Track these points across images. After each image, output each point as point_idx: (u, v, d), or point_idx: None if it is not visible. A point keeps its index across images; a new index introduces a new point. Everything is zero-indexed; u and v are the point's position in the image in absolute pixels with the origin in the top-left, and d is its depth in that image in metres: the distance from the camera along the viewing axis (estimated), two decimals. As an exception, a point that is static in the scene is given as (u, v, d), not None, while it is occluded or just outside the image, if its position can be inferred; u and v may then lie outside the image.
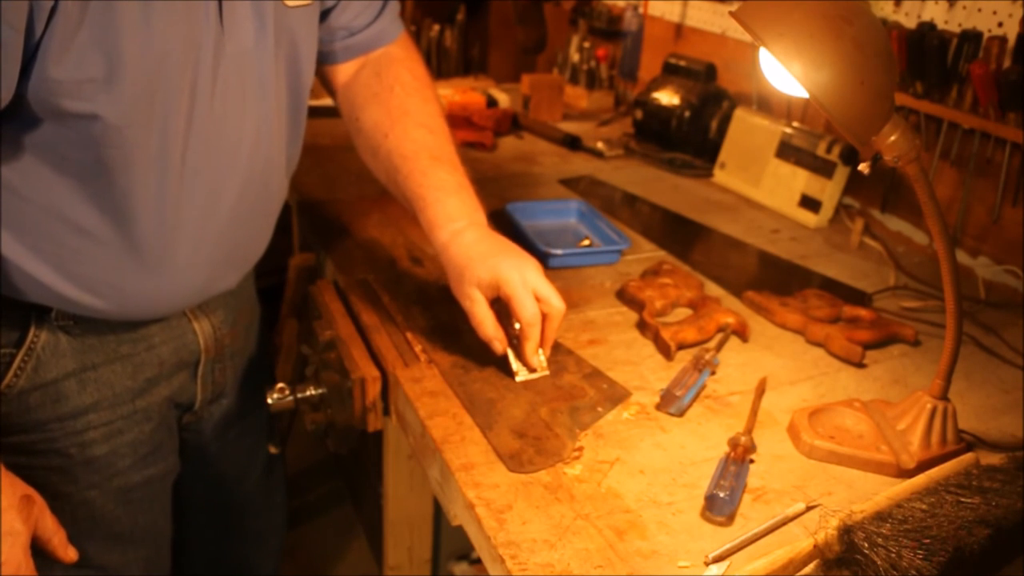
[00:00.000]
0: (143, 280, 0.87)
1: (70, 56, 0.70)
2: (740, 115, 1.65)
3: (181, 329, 0.99)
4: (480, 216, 0.96)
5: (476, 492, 0.75)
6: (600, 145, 1.80)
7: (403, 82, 1.03)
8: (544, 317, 0.90)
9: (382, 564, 1.57)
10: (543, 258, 1.16)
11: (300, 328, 1.49)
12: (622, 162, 1.76)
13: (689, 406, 0.89)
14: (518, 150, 1.80)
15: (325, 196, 1.43)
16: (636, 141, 1.84)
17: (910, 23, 1.31)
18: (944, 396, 0.82)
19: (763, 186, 1.56)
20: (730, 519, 0.73)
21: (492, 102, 2.01)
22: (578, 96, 2.17)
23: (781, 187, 1.53)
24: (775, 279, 1.25)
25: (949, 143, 1.29)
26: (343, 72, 1.07)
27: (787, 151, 1.52)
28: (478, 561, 1.54)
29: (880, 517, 0.65)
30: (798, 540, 0.67)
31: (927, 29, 1.24)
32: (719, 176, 1.67)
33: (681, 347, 1.00)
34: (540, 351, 0.92)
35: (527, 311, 0.88)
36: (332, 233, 1.28)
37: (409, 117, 1.01)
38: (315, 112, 1.94)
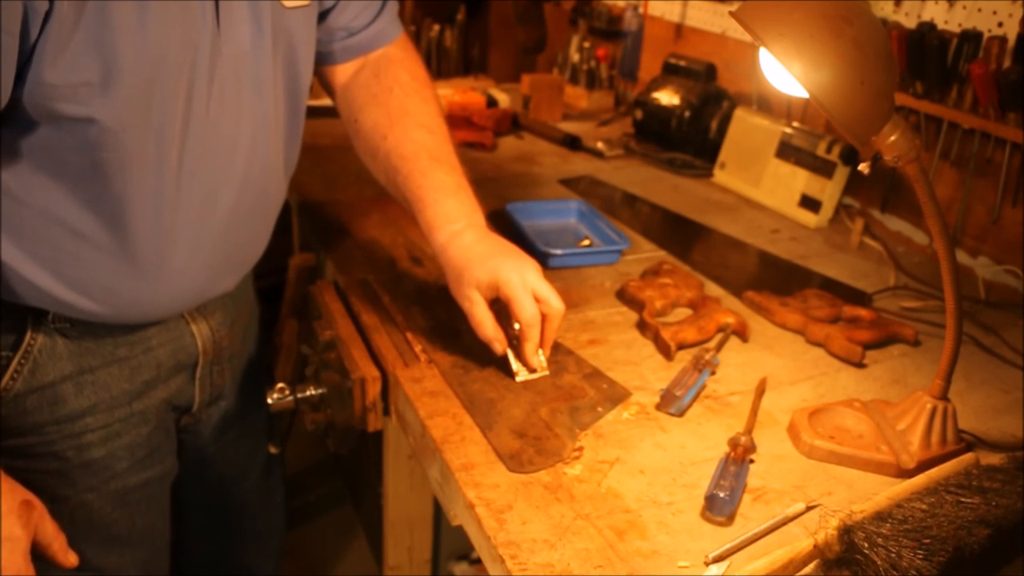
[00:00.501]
0: (140, 284, 0.87)
1: (65, 60, 0.69)
2: (740, 115, 1.65)
3: (179, 331, 0.99)
4: (479, 217, 0.96)
5: (476, 492, 0.75)
6: (600, 145, 1.80)
7: (402, 83, 1.03)
8: (544, 318, 0.90)
9: (382, 564, 1.57)
10: (543, 258, 1.16)
11: (300, 328, 1.49)
12: (622, 162, 1.77)
13: (689, 406, 0.89)
14: (518, 150, 1.80)
15: (325, 196, 1.43)
16: (636, 141, 1.84)
17: (910, 23, 1.31)
18: (944, 396, 0.82)
19: (763, 186, 1.56)
20: (730, 519, 0.73)
21: (492, 102, 2.00)
22: (578, 96, 2.17)
23: (781, 187, 1.53)
24: (775, 279, 1.25)
25: (949, 143, 1.29)
26: (342, 73, 1.07)
27: (787, 151, 1.52)
28: (478, 561, 1.54)
29: (880, 517, 0.65)
30: (798, 540, 0.67)
31: (927, 29, 1.24)
32: (719, 176, 1.67)
33: (681, 347, 1.00)
34: (540, 351, 0.92)
35: (526, 312, 0.88)
36: (332, 233, 1.28)
37: (408, 118, 1.00)
38: (315, 112, 1.94)
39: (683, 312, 1.11)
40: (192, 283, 0.92)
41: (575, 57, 2.21)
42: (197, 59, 0.78)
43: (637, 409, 0.89)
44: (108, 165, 0.77)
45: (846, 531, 0.63)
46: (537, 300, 0.89)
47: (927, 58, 1.24)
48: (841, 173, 1.43)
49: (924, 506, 0.67)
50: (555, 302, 0.90)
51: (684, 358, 0.98)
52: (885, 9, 1.36)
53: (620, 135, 1.90)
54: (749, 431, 0.84)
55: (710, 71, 1.79)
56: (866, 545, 0.62)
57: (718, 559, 0.69)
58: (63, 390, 0.90)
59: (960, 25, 1.24)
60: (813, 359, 1.02)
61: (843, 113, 0.69)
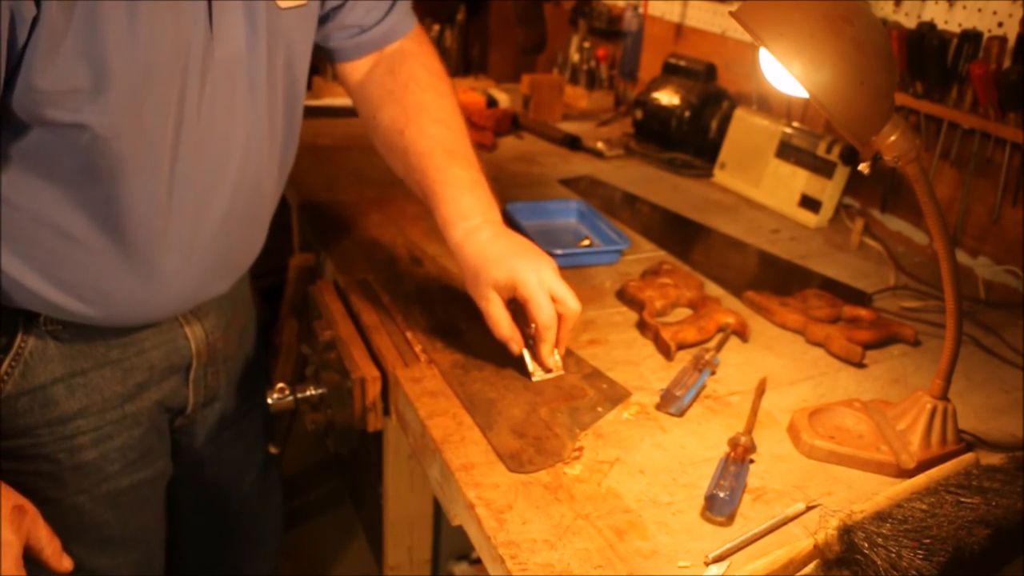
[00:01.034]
0: (132, 287, 0.86)
1: (55, 66, 0.68)
2: (740, 115, 1.65)
3: (172, 334, 0.98)
4: (495, 213, 0.95)
5: (476, 492, 0.75)
6: (600, 145, 1.80)
7: (417, 78, 1.01)
8: (559, 318, 0.89)
9: (382, 564, 1.57)
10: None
11: (300, 328, 1.49)
12: (622, 162, 1.77)
13: (689, 406, 0.89)
14: (518, 150, 1.80)
15: (325, 196, 1.43)
16: (636, 141, 1.84)
17: (910, 23, 1.31)
18: (944, 396, 0.82)
19: (763, 186, 1.56)
20: (730, 519, 0.73)
21: (492, 102, 2.01)
22: (578, 96, 2.17)
23: (781, 187, 1.53)
24: (775, 279, 1.25)
25: (949, 143, 1.29)
26: (357, 69, 1.05)
27: (787, 151, 1.52)
28: (478, 561, 1.54)
29: (880, 517, 0.65)
30: (798, 540, 0.67)
31: (927, 29, 1.24)
32: (719, 176, 1.67)
33: (681, 347, 1.00)
34: (555, 351, 0.92)
35: (544, 313, 0.88)
36: (332, 233, 1.28)
37: (424, 113, 0.99)
38: (315, 112, 1.93)
39: (683, 312, 1.11)
40: (185, 286, 0.91)
41: (575, 57, 2.21)
42: (189, 63, 0.77)
43: (637, 409, 0.89)
44: (99, 169, 0.77)
45: (846, 531, 0.63)
46: (553, 300, 0.89)
47: (927, 58, 1.24)
48: (841, 173, 1.43)
49: (924, 506, 0.67)
50: (571, 303, 0.89)
51: (684, 358, 0.98)
52: (885, 9, 1.36)
53: (620, 135, 1.90)
54: (749, 431, 0.84)
55: (710, 71, 1.79)
56: (866, 545, 0.62)
57: (718, 559, 0.69)
58: (54, 392, 0.90)
59: (960, 25, 1.24)
60: (813, 359, 1.02)
61: (843, 113, 0.69)
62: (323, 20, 0.99)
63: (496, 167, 1.66)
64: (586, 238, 1.32)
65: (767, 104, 1.69)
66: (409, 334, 1.00)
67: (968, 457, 0.79)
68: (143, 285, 0.86)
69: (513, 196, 1.45)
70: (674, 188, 1.62)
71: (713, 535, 0.72)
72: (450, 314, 1.05)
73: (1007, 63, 1.17)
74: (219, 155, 0.85)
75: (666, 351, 0.99)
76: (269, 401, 1.03)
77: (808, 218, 1.47)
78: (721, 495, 0.73)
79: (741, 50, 1.76)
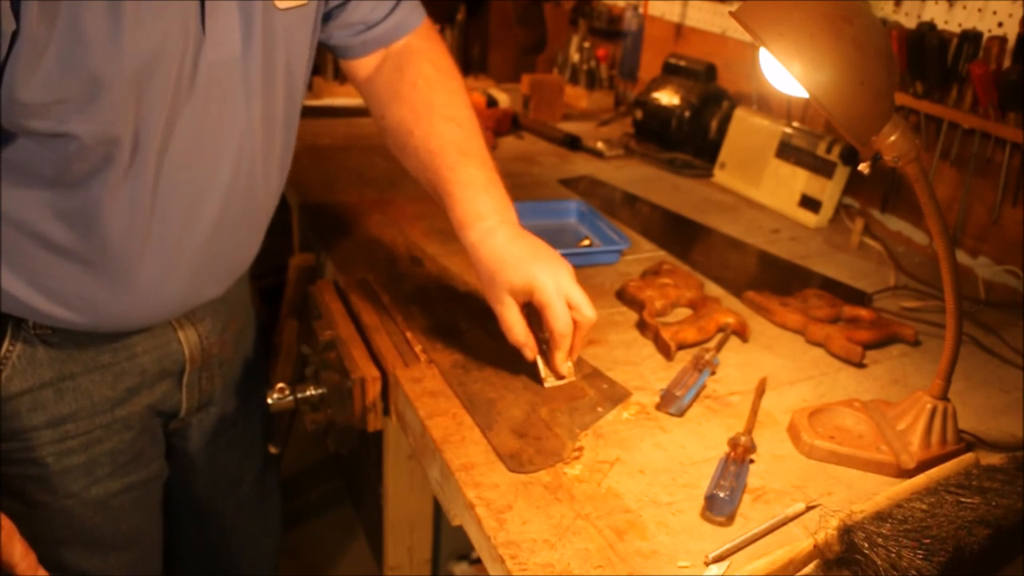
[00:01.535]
0: (116, 295, 0.85)
1: (38, 79, 0.67)
2: (740, 115, 1.65)
3: (165, 338, 0.96)
4: (511, 213, 0.93)
5: (476, 492, 0.75)
6: (600, 145, 1.80)
7: (426, 76, 0.99)
8: (574, 325, 0.88)
9: (382, 564, 1.57)
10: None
11: (300, 328, 1.49)
12: (622, 162, 1.77)
13: (689, 406, 0.89)
14: (518, 150, 1.80)
15: (325, 196, 1.43)
16: (636, 141, 1.84)
17: (910, 23, 1.31)
18: (944, 396, 0.82)
19: (763, 186, 1.56)
20: (730, 519, 0.73)
21: (492, 102, 2.01)
22: (578, 96, 2.17)
23: (781, 187, 1.53)
24: (775, 279, 1.25)
25: (949, 143, 1.29)
26: (364, 66, 1.03)
27: (787, 151, 1.52)
28: (478, 561, 1.54)
29: (880, 517, 0.65)
30: (798, 540, 0.67)
31: (927, 29, 1.24)
32: (719, 176, 1.67)
33: (681, 347, 1.00)
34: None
35: (560, 321, 0.86)
36: (332, 233, 1.28)
37: (434, 112, 0.97)
38: (315, 112, 1.93)
39: (683, 312, 1.11)
40: (173, 293, 0.89)
41: (575, 57, 2.21)
42: (180, 69, 0.75)
43: (637, 409, 0.89)
44: (82, 177, 0.75)
45: (846, 531, 0.63)
46: (569, 306, 0.87)
47: (927, 58, 1.24)
48: (841, 173, 1.43)
49: (924, 506, 0.67)
50: (587, 310, 0.88)
51: (684, 358, 0.98)
52: (885, 9, 1.36)
53: (620, 135, 1.90)
54: (749, 431, 0.84)
55: (710, 71, 1.79)
56: (866, 545, 0.62)
57: (718, 559, 0.69)
58: (43, 396, 0.88)
59: (960, 25, 1.24)
60: (813, 359, 1.02)
61: (843, 113, 0.69)
62: (326, 18, 0.97)
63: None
64: (586, 238, 1.32)
65: (767, 104, 1.69)
66: (409, 334, 1.00)
67: (968, 457, 0.79)
68: (126, 292, 0.85)
69: (513, 196, 1.43)
70: (674, 188, 1.62)
71: (713, 535, 0.72)
72: (450, 314, 1.05)
73: (1007, 63, 1.17)
74: (210, 160, 0.83)
75: (666, 351, 0.99)
76: (269, 401, 1.02)
77: (808, 218, 1.47)
78: (721, 495, 0.73)
79: (741, 50, 1.76)
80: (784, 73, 0.70)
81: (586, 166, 1.72)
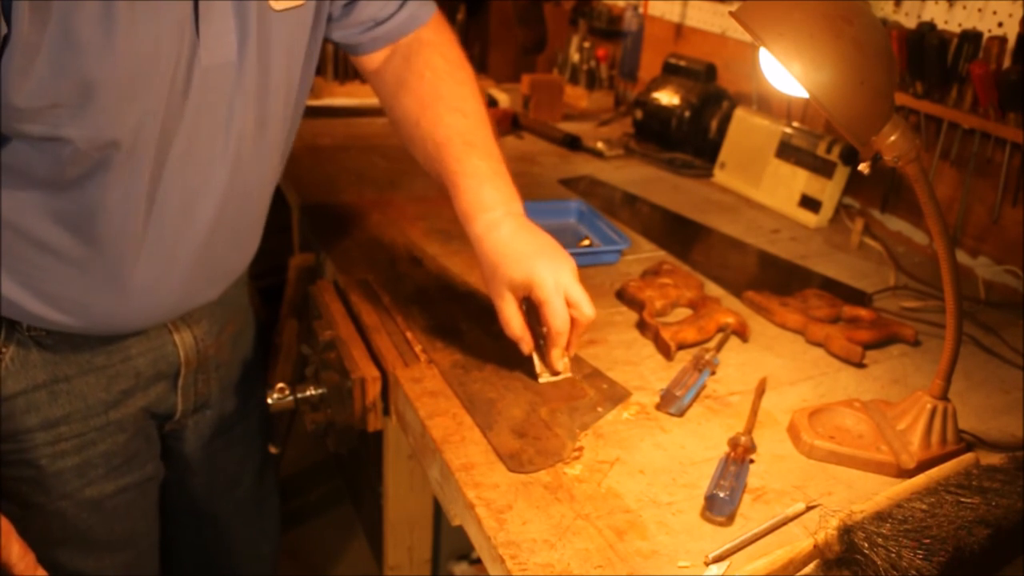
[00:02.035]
0: (110, 298, 0.84)
1: (30, 84, 0.66)
2: (740, 115, 1.65)
3: (160, 341, 0.95)
4: (517, 205, 0.93)
5: (476, 492, 0.75)
6: (600, 145, 1.80)
7: (434, 67, 0.98)
8: (572, 322, 0.88)
9: (382, 564, 1.57)
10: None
11: (300, 328, 1.49)
12: (622, 162, 1.77)
13: (689, 406, 0.89)
14: (518, 150, 1.80)
15: (325, 196, 1.42)
16: (636, 141, 1.84)
17: (910, 23, 1.31)
18: (944, 396, 0.82)
19: (763, 186, 1.56)
20: (730, 519, 0.73)
21: (492, 102, 2.01)
22: (578, 96, 2.17)
23: (781, 187, 1.53)
24: (775, 279, 1.25)
25: (949, 143, 1.29)
26: (372, 60, 1.03)
27: (787, 151, 1.52)
28: (478, 561, 1.54)
29: (880, 517, 0.65)
30: (798, 540, 0.67)
31: (927, 29, 1.24)
32: (719, 176, 1.67)
33: (681, 347, 1.00)
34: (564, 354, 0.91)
35: (558, 319, 0.86)
36: (332, 233, 1.28)
37: (441, 102, 0.96)
38: (315, 112, 1.93)
39: (683, 312, 1.11)
40: (167, 297, 0.89)
41: (575, 57, 2.21)
42: (174, 73, 0.74)
43: (637, 409, 0.89)
44: (77, 180, 0.75)
45: (846, 531, 0.63)
46: (568, 304, 0.87)
47: (927, 58, 1.24)
48: (841, 173, 1.43)
49: (924, 506, 0.67)
50: (586, 308, 0.88)
51: (684, 358, 0.98)
52: (885, 9, 1.36)
53: (620, 135, 1.90)
54: (749, 431, 0.84)
55: (710, 71, 1.79)
56: (866, 545, 0.62)
57: (718, 559, 0.69)
58: (37, 398, 0.88)
59: (960, 25, 1.24)
60: (813, 359, 1.02)
61: (843, 113, 0.69)
62: (332, 18, 0.96)
63: (496, 167, 1.66)
64: (586, 238, 1.32)
65: (767, 104, 1.69)
66: (409, 334, 1.00)
67: (968, 457, 0.79)
68: (120, 295, 0.84)
69: (513, 196, 1.45)
70: (674, 188, 1.62)
71: (713, 535, 0.72)
72: (450, 314, 1.05)
73: (1007, 63, 1.17)
74: (206, 165, 0.82)
75: (666, 351, 0.99)
76: (269, 401, 1.02)
77: (808, 218, 1.47)
78: (721, 495, 0.73)
79: (741, 50, 1.76)
80: (784, 73, 0.70)
81: (586, 166, 1.72)
